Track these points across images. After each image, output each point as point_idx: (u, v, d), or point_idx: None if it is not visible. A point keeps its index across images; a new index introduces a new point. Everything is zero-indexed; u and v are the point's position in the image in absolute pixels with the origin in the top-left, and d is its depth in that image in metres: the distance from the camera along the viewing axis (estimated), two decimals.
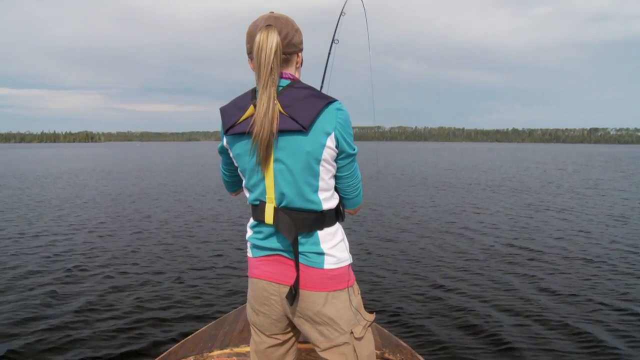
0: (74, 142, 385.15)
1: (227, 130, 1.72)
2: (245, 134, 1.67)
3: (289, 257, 1.76)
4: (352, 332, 1.79)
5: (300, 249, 1.73)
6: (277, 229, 1.72)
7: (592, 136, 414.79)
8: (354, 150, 1.75)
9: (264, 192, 1.73)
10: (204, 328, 3.49)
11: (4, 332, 4.74)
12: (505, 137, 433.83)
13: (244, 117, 1.67)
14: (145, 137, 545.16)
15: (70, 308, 5.39)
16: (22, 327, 4.86)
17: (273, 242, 1.78)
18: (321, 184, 1.72)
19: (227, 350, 2.86)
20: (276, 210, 1.71)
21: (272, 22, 1.66)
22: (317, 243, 1.74)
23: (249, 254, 1.88)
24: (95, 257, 7.69)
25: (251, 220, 1.84)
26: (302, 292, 1.74)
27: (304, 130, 1.62)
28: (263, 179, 1.71)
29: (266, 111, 1.60)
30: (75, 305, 5.49)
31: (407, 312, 5.32)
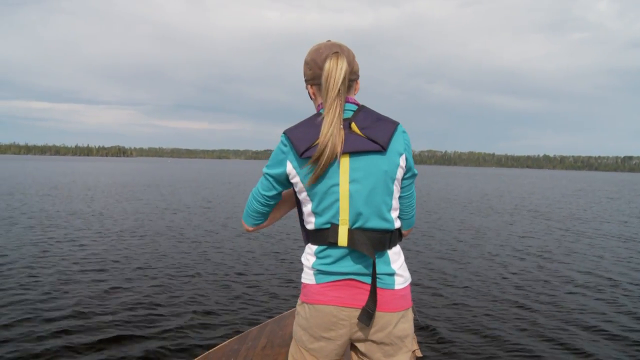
0: (106, 156, 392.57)
1: (302, 153, 1.69)
2: (320, 157, 1.67)
3: (361, 280, 1.73)
4: (414, 351, 1.83)
5: (371, 270, 1.73)
6: (355, 249, 1.70)
7: (626, 164, 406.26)
8: (416, 171, 1.84)
9: (336, 214, 1.71)
10: (226, 342, 3.50)
11: (54, 328, 4.86)
12: (536, 164, 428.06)
13: (318, 140, 1.67)
14: (176, 153, 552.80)
15: (96, 318, 5.48)
16: (44, 327, 4.96)
17: (344, 266, 1.74)
18: (394, 202, 1.77)
19: None
20: (350, 231, 1.70)
21: (339, 49, 1.75)
22: (388, 263, 1.76)
23: (310, 280, 1.82)
24: (123, 268, 7.80)
25: (314, 247, 1.79)
26: (376, 314, 1.73)
27: (382, 150, 1.69)
28: (337, 200, 1.70)
29: (339, 133, 1.66)
30: (101, 314, 5.58)
31: (443, 335, 5.25)
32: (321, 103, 1.78)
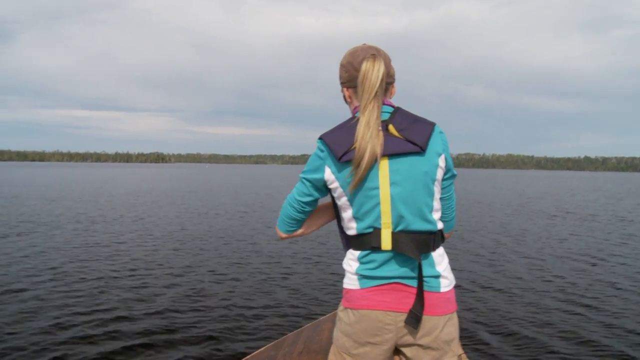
0: (145, 162, 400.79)
1: (340, 157, 1.68)
2: (360, 160, 1.65)
3: (406, 283, 1.71)
4: (459, 355, 1.80)
5: (416, 273, 1.71)
6: (399, 252, 1.68)
7: None
8: (455, 172, 1.83)
9: (378, 218, 1.69)
10: (262, 349, 3.50)
11: (98, 330, 4.98)
12: (577, 165, 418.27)
13: (356, 144, 1.65)
14: (213, 159, 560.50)
15: (132, 322, 5.57)
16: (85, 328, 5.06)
17: (389, 270, 1.72)
18: (435, 204, 1.75)
19: None
20: (394, 234, 1.69)
21: (375, 52, 1.75)
22: (433, 265, 1.74)
23: (353, 286, 1.77)
24: (163, 273, 7.93)
25: (357, 252, 1.76)
26: (423, 318, 1.70)
27: (421, 151, 1.67)
28: (378, 204, 1.69)
29: (377, 136, 1.65)
30: (141, 317, 5.66)
31: (487, 340, 5.15)
32: (357, 106, 1.76)
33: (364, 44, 1.80)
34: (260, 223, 15.12)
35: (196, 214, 17.40)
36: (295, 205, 1.84)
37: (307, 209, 1.86)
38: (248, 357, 3.41)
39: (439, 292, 1.73)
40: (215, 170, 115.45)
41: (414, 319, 1.68)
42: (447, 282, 1.76)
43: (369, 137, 1.63)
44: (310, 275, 8.00)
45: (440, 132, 1.74)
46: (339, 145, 1.68)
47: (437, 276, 1.73)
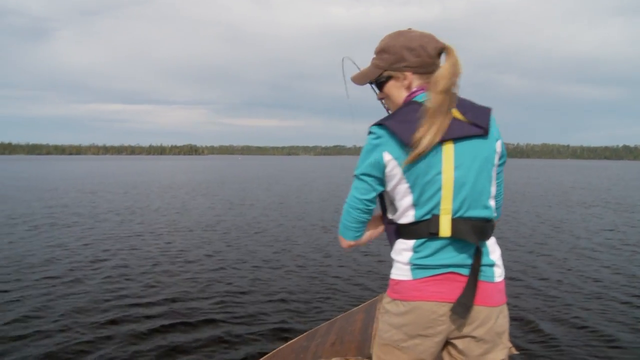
0: (178, 154, 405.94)
1: (408, 141, 1.60)
2: (427, 144, 1.61)
3: (461, 272, 1.65)
4: (510, 347, 1.76)
5: (473, 261, 1.66)
6: (460, 238, 1.63)
7: None
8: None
9: (439, 204, 1.63)
10: (295, 339, 3.52)
11: (143, 317, 5.14)
12: (615, 154, 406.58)
13: (424, 127, 1.60)
14: (246, 150, 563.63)
15: (170, 314, 5.69)
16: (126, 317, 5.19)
17: (445, 258, 1.65)
18: (492, 190, 1.72)
19: None
20: (453, 221, 1.63)
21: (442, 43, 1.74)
22: (488, 254, 1.70)
23: (405, 276, 1.70)
24: (202, 263, 8.06)
25: (411, 241, 1.69)
26: (476, 309, 1.65)
27: (485, 135, 1.65)
28: (439, 189, 1.63)
29: (445, 119, 1.61)
30: (171, 309, 5.78)
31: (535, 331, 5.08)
32: (415, 91, 1.73)
33: (410, 29, 1.76)
34: (295, 214, 15.19)
35: (231, 205, 17.61)
36: (361, 206, 1.74)
37: (372, 206, 1.77)
38: (282, 347, 3.44)
39: (494, 282, 1.69)
40: (248, 162, 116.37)
41: (463, 309, 1.63)
42: (500, 272, 1.72)
43: (441, 120, 1.60)
44: (344, 267, 8.01)
45: (494, 118, 1.72)
46: (405, 130, 1.62)
47: (492, 265, 1.70)
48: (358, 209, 1.74)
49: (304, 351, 3.11)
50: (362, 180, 1.71)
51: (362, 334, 3.13)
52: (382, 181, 1.71)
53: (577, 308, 5.94)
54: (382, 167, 1.67)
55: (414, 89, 1.74)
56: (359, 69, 1.92)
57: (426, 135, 1.58)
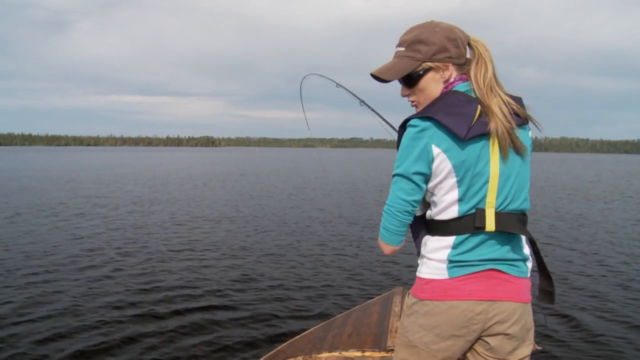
0: (195, 146, 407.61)
1: (466, 133, 1.52)
2: (482, 135, 1.55)
3: (500, 269, 1.60)
4: (535, 344, 1.75)
5: (511, 255, 1.62)
6: (505, 231, 1.58)
7: None
8: None
9: (484, 198, 1.57)
10: (312, 329, 3.54)
11: (159, 305, 5.22)
12: (635, 149, 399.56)
13: (476, 118, 1.54)
14: (263, 142, 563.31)
15: (194, 300, 5.75)
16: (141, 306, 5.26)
17: (485, 253, 1.60)
18: (529, 181, 1.68)
19: (336, 354, 2.84)
20: (497, 214, 1.58)
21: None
22: (522, 248, 1.66)
23: (440, 275, 1.62)
24: (219, 253, 8.13)
25: (449, 238, 1.62)
26: (513, 305, 1.61)
27: (526, 124, 1.63)
28: (487, 182, 1.57)
29: (505, 106, 1.58)
30: (192, 297, 5.84)
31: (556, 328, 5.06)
32: (452, 82, 1.66)
33: (433, 21, 1.68)
34: (311, 205, 15.24)
35: (248, 197, 17.73)
36: (408, 208, 1.62)
37: (417, 207, 1.66)
38: (298, 337, 3.46)
39: (526, 278, 1.65)
40: (265, 154, 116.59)
41: (549, 297, 1.65)
42: (530, 266, 1.69)
43: (503, 113, 1.56)
44: (360, 258, 8.04)
45: None
46: (458, 122, 1.53)
47: (526, 260, 1.67)
48: (406, 211, 1.63)
49: (320, 341, 3.12)
50: (407, 179, 1.59)
51: (378, 327, 3.13)
52: (428, 178, 1.60)
53: (600, 300, 5.91)
54: (430, 162, 1.57)
55: (451, 80, 1.66)
56: (336, 82, 1.83)
57: (480, 126, 1.54)
